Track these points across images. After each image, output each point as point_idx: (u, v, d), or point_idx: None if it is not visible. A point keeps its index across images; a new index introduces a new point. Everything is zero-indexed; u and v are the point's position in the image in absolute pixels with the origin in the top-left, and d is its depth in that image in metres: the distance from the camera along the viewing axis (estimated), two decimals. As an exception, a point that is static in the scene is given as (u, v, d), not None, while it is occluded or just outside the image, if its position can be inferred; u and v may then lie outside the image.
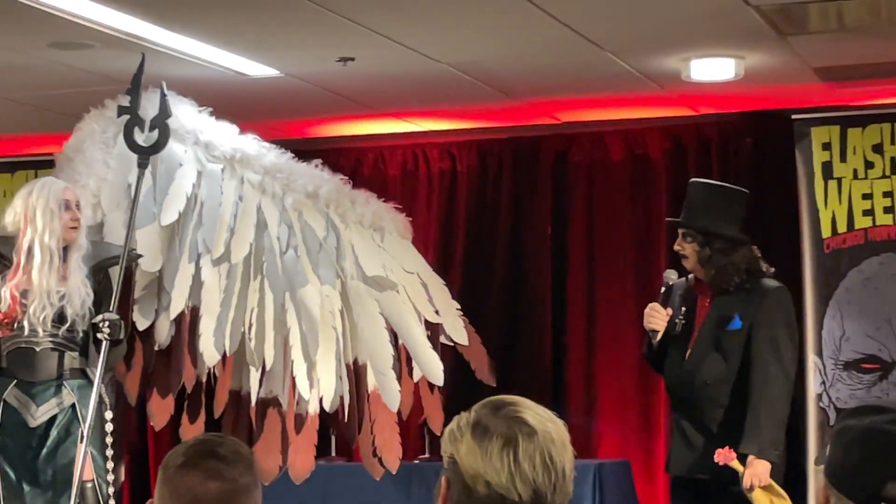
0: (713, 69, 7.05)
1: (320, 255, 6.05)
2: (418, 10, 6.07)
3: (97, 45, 6.43)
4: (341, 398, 5.99)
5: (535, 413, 2.50)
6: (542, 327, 8.50)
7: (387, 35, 6.39)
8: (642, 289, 8.09)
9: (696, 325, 5.86)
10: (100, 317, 5.41)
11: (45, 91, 7.36)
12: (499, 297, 8.49)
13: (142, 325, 5.86)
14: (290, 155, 6.18)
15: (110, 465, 5.48)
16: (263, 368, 5.93)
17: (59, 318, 5.48)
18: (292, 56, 6.82)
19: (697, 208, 5.89)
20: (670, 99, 7.85)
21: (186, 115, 6.02)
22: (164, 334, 5.89)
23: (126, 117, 5.77)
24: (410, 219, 6.31)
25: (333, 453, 7.92)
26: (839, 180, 7.61)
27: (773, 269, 5.91)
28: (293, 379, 5.92)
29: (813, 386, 7.51)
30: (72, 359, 5.51)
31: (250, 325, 5.92)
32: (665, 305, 5.91)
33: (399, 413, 6.06)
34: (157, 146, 5.77)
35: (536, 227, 8.56)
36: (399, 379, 6.04)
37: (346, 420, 6.00)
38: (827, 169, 7.63)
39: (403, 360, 6.12)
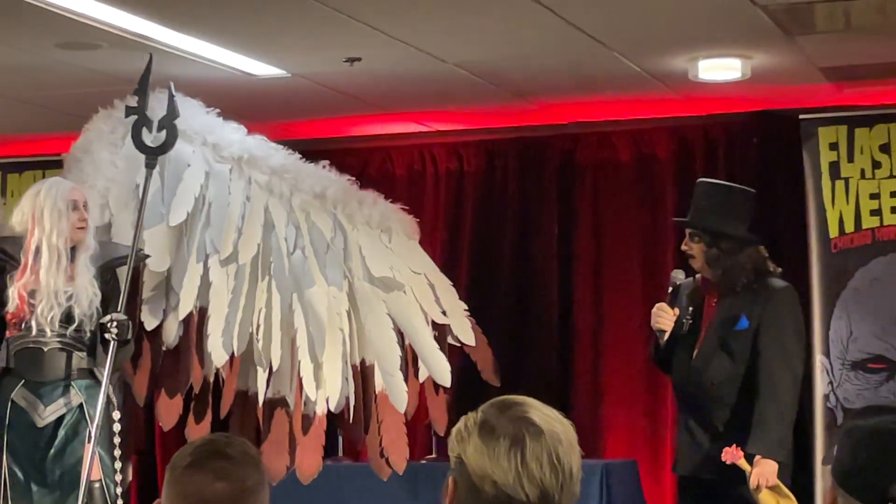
0: (720, 69, 7.05)
1: (328, 256, 6.05)
2: (426, 10, 6.07)
3: (105, 45, 6.44)
4: (347, 399, 6.00)
5: (543, 413, 2.50)
6: (549, 327, 8.49)
7: (394, 35, 6.39)
8: (649, 289, 8.08)
9: (704, 325, 5.85)
10: (107, 317, 5.42)
11: (53, 91, 7.37)
12: (506, 297, 8.49)
13: (150, 325, 5.86)
14: (297, 156, 6.18)
15: (118, 465, 5.48)
16: (271, 369, 5.94)
17: (67, 318, 5.48)
18: (300, 56, 6.83)
19: (705, 208, 5.88)
20: (677, 99, 7.85)
21: (194, 115, 6.02)
22: (172, 334, 5.89)
23: (134, 118, 5.78)
24: (417, 219, 6.31)
25: (340, 454, 7.92)
26: (846, 180, 7.61)
27: (780, 269, 5.90)
28: (300, 379, 5.93)
29: (820, 386, 7.51)
30: (79, 359, 5.52)
31: (258, 325, 5.92)
32: (672, 305, 5.91)
33: (405, 413, 6.06)
34: (165, 147, 5.78)
35: (544, 228, 8.56)
36: (405, 379, 6.04)
37: (351, 421, 6.00)
38: (834, 169, 7.63)
39: (409, 361, 6.12)
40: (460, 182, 8.74)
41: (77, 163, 5.92)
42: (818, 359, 7.49)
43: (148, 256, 5.80)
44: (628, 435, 8.33)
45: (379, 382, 6.05)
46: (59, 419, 5.49)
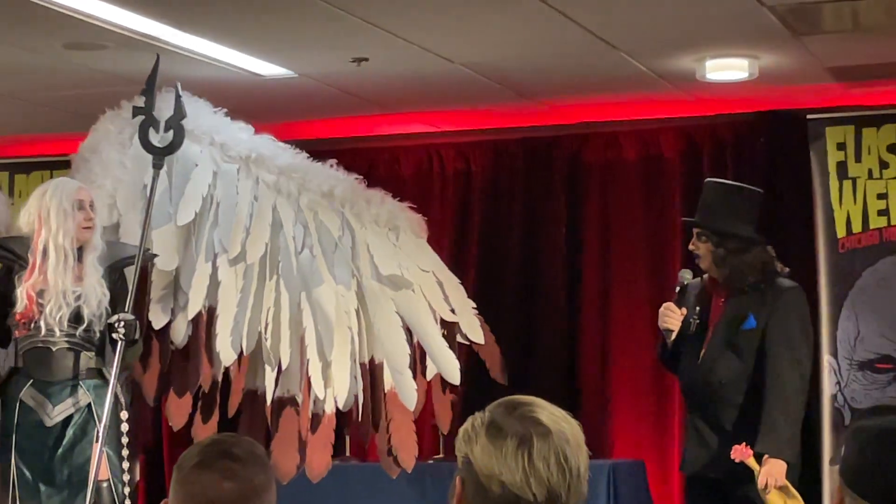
0: (728, 69, 7.05)
1: (336, 255, 6.06)
2: (433, 10, 6.07)
3: (112, 45, 6.44)
4: (356, 397, 6.00)
5: (550, 413, 2.50)
6: (556, 327, 8.49)
7: (401, 35, 6.39)
8: (656, 289, 8.08)
9: (711, 324, 5.85)
10: (115, 317, 5.43)
11: (61, 92, 7.38)
12: (513, 297, 8.49)
13: (159, 324, 5.87)
14: (305, 155, 6.20)
15: (126, 464, 5.49)
16: (279, 368, 5.95)
17: (76, 318, 5.49)
18: (307, 57, 6.83)
19: (712, 208, 5.88)
20: (685, 99, 7.84)
21: (201, 115, 6.03)
22: (181, 334, 5.90)
23: (141, 118, 5.79)
24: (425, 219, 6.32)
25: (348, 453, 7.92)
26: (854, 180, 7.60)
27: (787, 270, 5.90)
28: (308, 378, 5.93)
29: (828, 386, 7.50)
30: (88, 359, 5.53)
31: (266, 324, 5.93)
32: (680, 305, 5.90)
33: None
34: (173, 147, 5.79)
35: (551, 228, 8.56)
36: (414, 377, 6.05)
37: (359, 419, 6.00)
38: (842, 169, 7.62)
39: (417, 359, 6.12)
40: (467, 182, 8.74)
41: (85, 163, 5.93)
42: (826, 359, 7.49)
43: (156, 256, 5.81)
44: (636, 435, 8.33)
45: (388, 381, 6.05)
46: (68, 419, 5.50)
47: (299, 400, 5.98)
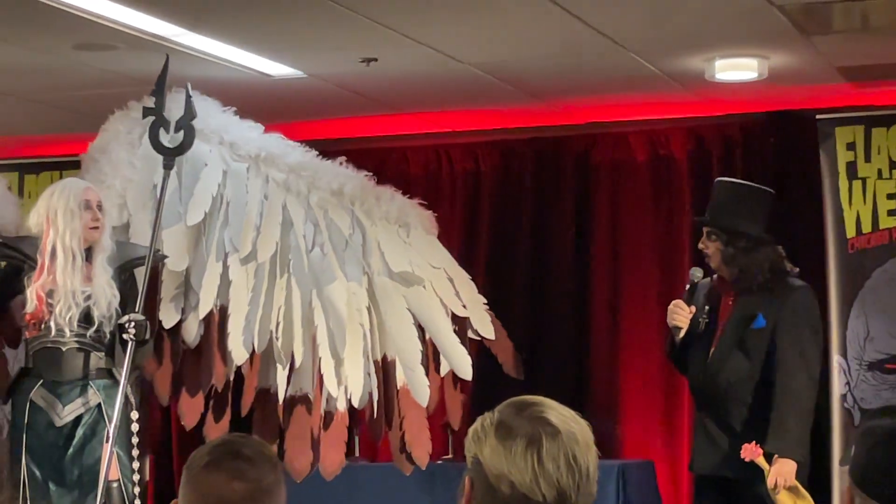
0: (737, 69, 7.04)
1: (346, 253, 6.06)
2: (442, 10, 6.07)
3: (122, 46, 6.45)
4: (370, 394, 6.00)
5: (559, 413, 2.50)
6: (565, 328, 8.49)
7: (410, 36, 6.40)
8: (665, 289, 8.07)
9: (720, 324, 5.85)
10: (126, 317, 5.43)
11: (70, 92, 7.39)
12: (522, 297, 8.49)
13: (170, 323, 5.88)
14: (314, 153, 6.20)
15: (136, 464, 5.50)
16: (291, 366, 5.95)
17: (86, 318, 5.50)
18: (316, 57, 6.84)
19: (722, 207, 5.89)
20: (694, 99, 7.84)
21: (211, 114, 6.03)
22: (192, 333, 5.91)
23: (151, 118, 5.79)
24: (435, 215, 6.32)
25: (357, 453, 7.93)
26: (863, 180, 7.59)
27: (797, 269, 5.90)
28: (321, 376, 5.94)
29: (837, 386, 7.49)
30: (97, 359, 5.53)
31: (277, 323, 5.93)
32: (689, 303, 5.90)
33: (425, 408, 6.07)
34: (183, 147, 5.79)
35: (560, 228, 8.56)
36: (426, 374, 6.05)
37: (374, 416, 6.01)
38: (851, 169, 7.61)
39: (430, 356, 6.12)
40: (476, 183, 8.74)
41: (95, 163, 5.94)
42: (835, 359, 7.48)
43: (165, 257, 5.81)
44: (645, 435, 8.33)
45: (400, 377, 6.05)
46: (78, 419, 5.50)
47: (311, 398, 5.99)
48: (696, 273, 5.98)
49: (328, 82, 7.32)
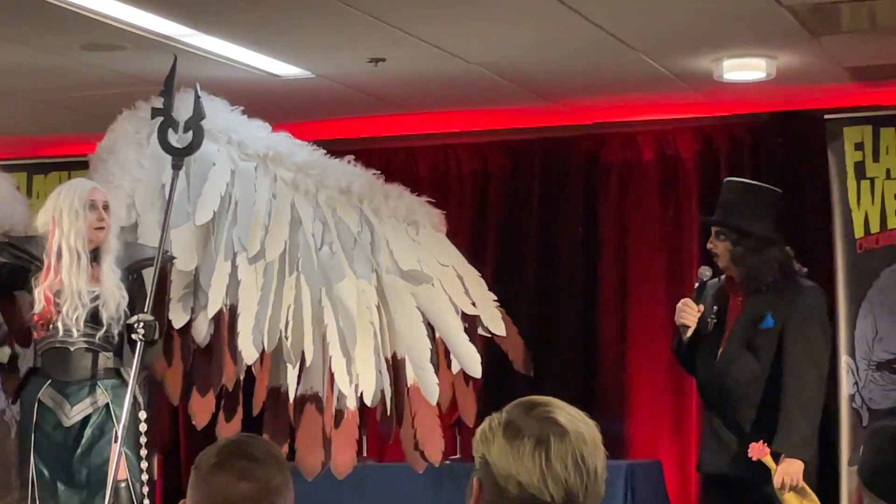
0: (745, 69, 7.04)
1: (355, 251, 6.06)
2: (450, 11, 6.08)
3: (129, 46, 6.46)
4: (381, 392, 6.00)
5: (567, 413, 2.50)
6: (573, 328, 8.49)
7: (418, 36, 6.40)
8: (673, 289, 8.07)
9: (728, 323, 5.85)
10: (134, 318, 5.43)
11: (78, 92, 7.40)
12: (530, 297, 8.49)
13: (179, 323, 5.88)
14: (322, 152, 6.20)
15: (144, 464, 5.50)
16: (301, 365, 5.96)
17: (94, 319, 5.50)
18: (324, 57, 6.84)
19: (731, 206, 5.88)
20: (702, 99, 7.83)
21: (218, 113, 6.03)
22: (202, 333, 5.91)
23: (160, 119, 5.79)
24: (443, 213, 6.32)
25: (365, 454, 7.93)
26: (872, 180, 7.59)
27: (805, 269, 5.89)
28: (331, 375, 5.94)
29: (845, 387, 7.48)
30: (106, 359, 5.54)
31: (287, 322, 5.94)
32: (698, 301, 5.90)
33: (439, 406, 6.07)
34: (192, 148, 5.79)
35: (568, 228, 8.56)
36: (437, 372, 6.05)
37: (386, 414, 6.01)
38: (859, 169, 7.60)
39: (442, 354, 6.12)
40: (484, 183, 8.74)
41: (103, 163, 5.94)
42: (843, 359, 7.47)
43: (173, 258, 5.81)
44: (653, 435, 8.32)
45: (411, 375, 6.05)
46: (86, 419, 5.51)
47: (322, 397, 5.99)
48: (705, 272, 5.97)
49: (336, 82, 7.33)
